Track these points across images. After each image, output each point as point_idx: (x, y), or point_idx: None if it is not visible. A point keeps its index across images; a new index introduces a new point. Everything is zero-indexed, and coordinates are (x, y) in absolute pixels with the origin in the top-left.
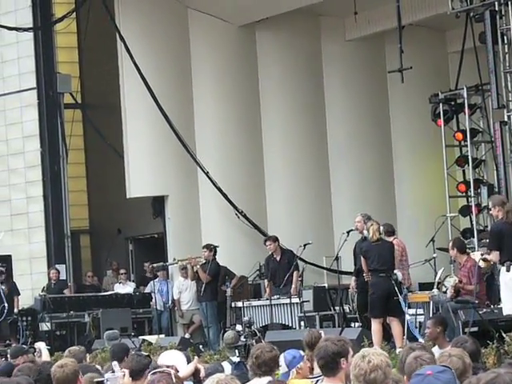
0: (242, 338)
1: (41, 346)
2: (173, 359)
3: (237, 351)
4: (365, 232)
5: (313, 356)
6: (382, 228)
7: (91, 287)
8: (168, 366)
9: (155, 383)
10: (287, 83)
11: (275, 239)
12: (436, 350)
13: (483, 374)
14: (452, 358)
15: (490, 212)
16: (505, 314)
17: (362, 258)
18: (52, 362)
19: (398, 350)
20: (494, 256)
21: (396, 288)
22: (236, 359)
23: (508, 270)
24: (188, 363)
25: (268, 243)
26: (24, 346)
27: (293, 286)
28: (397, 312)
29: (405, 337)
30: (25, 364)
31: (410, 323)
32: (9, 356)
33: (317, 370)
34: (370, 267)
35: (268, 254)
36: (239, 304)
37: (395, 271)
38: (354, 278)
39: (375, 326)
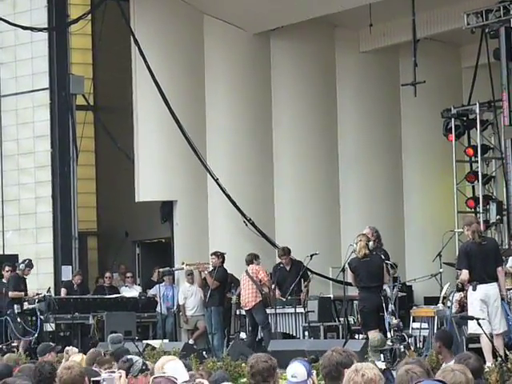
0: (389, 342)
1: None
2: (176, 371)
3: (382, 356)
4: (354, 246)
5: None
6: (371, 243)
7: (110, 288)
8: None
9: None
10: (300, 93)
11: (289, 252)
12: (444, 365)
13: None
14: (455, 372)
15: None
16: (469, 331)
17: (349, 272)
18: (50, 362)
19: None
20: (463, 275)
21: (384, 304)
22: (381, 365)
23: (474, 290)
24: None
25: (284, 257)
26: (51, 343)
27: (302, 294)
28: (382, 327)
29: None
30: (26, 365)
31: None
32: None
33: None
34: (359, 284)
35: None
36: (244, 311)
37: (384, 286)
38: None
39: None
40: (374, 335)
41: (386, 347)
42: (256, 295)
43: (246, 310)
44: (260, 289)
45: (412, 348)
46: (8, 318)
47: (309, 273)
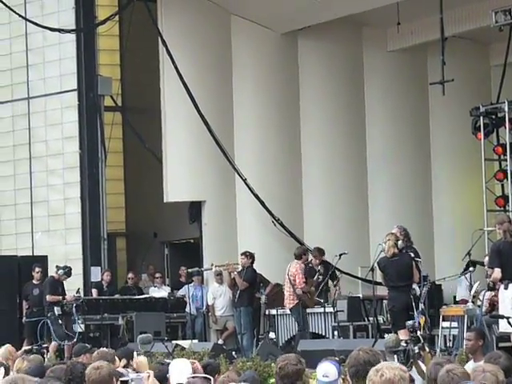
0: (403, 343)
1: None
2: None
3: (396, 356)
4: (383, 245)
5: None
6: (400, 242)
7: (134, 289)
8: None
9: None
10: (327, 92)
11: (323, 253)
12: (471, 363)
13: None
14: (486, 373)
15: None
16: (500, 330)
17: (379, 272)
18: (82, 362)
19: None
20: (496, 273)
21: (413, 303)
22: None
23: (506, 288)
24: (216, 373)
25: (317, 258)
26: (87, 345)
27: (333, 292)
28: None
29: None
30: (58, 366)
31: None
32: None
33: None
34: (388, 283)
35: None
36: (273, 312)
37: (414, 286)
38: None
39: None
40: (389, 336)
41: (400, 348)
42: (293, 298)
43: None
44: (296, 292)
45: (427, 349)
46: (48, 320)
47: (337, 272)
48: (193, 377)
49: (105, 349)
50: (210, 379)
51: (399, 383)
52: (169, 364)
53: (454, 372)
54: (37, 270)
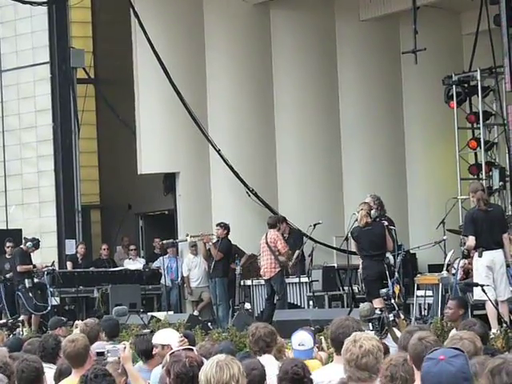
0: (378, 311)
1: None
2: (167, 338)
3: (370, 325)
4: (356, 215)
5: None
6: (373, 212)
7: (107, 261)
8: (163, 345)
9: (183, 358)
10: (300, 62)
11: (283, 220)
12: (454, 332)
13: (491, 358)
14: (464, 340)
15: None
16: (475, 298)
17: (353, 241)
18: (55, 335)
19: None
20: (470, 241)
21: (387, 272)
22: (370, 334)
23: (480, 256)
24: (193, 344)
25: (279, 225)
26: (63, 318)
27: (290, 262)
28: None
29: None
30: (34, 339)
31: None
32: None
33: None
34: (362, 253)
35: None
36: (248, 282)
37: (387, 254)
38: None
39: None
40: (363, 305)
41: (374, 316)
42: (275, 266)
43: (264, 279)
44: (278, 259)
45: (402, 317)
46: (19, 293)
47: (311, 242)
48: (176, 351)
49: (91, 320)
50: (192, 349)
51: (377, 355)
52: (151, 337)
53: (426, 340)
54: (8, 244)
